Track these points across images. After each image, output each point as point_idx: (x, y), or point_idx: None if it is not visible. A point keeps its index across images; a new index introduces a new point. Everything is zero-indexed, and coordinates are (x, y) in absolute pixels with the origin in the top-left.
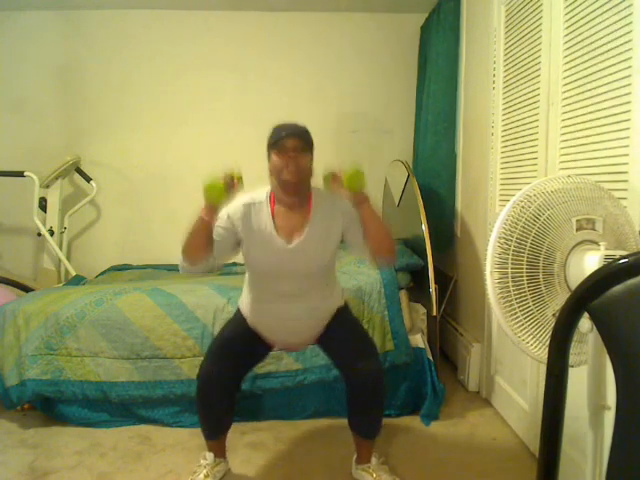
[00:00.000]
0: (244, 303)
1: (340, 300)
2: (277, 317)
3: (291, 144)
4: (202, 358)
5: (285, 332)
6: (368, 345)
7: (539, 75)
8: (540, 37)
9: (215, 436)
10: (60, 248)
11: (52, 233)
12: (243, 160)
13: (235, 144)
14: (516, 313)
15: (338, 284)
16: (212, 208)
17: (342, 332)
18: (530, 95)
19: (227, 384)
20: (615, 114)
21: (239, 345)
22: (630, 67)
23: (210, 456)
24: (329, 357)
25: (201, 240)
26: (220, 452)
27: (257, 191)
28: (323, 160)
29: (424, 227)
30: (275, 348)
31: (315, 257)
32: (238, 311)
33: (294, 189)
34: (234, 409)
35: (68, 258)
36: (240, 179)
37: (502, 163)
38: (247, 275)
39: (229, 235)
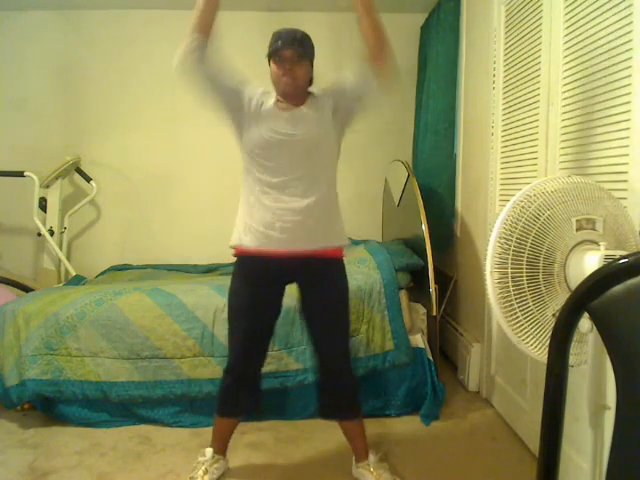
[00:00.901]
0: (241, 227)
1: (342, 238)
2: (277, 211)
3: (288, 54)
4: (202, 358)
5: (287, 227)
6: (342, 323)
7: (539, 75)
8: (540, 37)
9: (235, 412)
10: (60, 248)
11: (52, 233)
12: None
13: (235, 144)
14: (516, 313)
15: (340, 217)
16: None
17: (326, 296)
18: (530, 95)
19: (260, 355)
20: (615, 114)
21: (257, 305)
22: (630, 67)
23: (209, 452)
24: (303, 319)
25: (207, 14)
26: (221, 449)
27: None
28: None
29: (424, 227)
30: (279, 247)
31: (310, 125)
32: (237, 262)
33: (292, 95)
34: (259, 396)
35: (68, 258)
36: None
37: (502, 163)
38: (246, 178)
39: (234, 84)
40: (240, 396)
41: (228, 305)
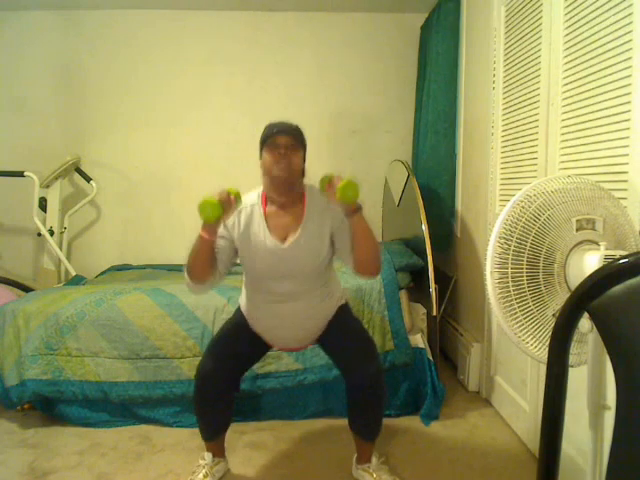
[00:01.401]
0: (243, 303)
1: (340, 300)
2: (276, 318)
3: (282, 141)
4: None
5: (284, 333)
6: (369, 347)
7: (539, 75)
8: (540, 37)
9: (213, 437)
10: (60, 248)
11: (52, 233)
12: (243, 160)
13: (235, 144)
14: (516, 313)
15: (338, 284)
16: (209, 226)
17: (342, 333)
18: (530, 95)
19: (225, 383)
20: (615, 114)
21: (238, 344)
22: (630, 67)
23: (209, 456)
24: (329, 356)
25: (204, 259)
26: (219, 452)
27: (249, 194)
28: (321, 159)
29: (424, 227)
30: (274, 348)
31: (310, 256)
32: (238, 309)
33: (285, 187)
34: (232, 409)
35: (68, 258)
36: (237, 195)
37: (502, 163)
38: (245, 277)
39: (227, 244)
40: (217, 415)
41: (218, 331)
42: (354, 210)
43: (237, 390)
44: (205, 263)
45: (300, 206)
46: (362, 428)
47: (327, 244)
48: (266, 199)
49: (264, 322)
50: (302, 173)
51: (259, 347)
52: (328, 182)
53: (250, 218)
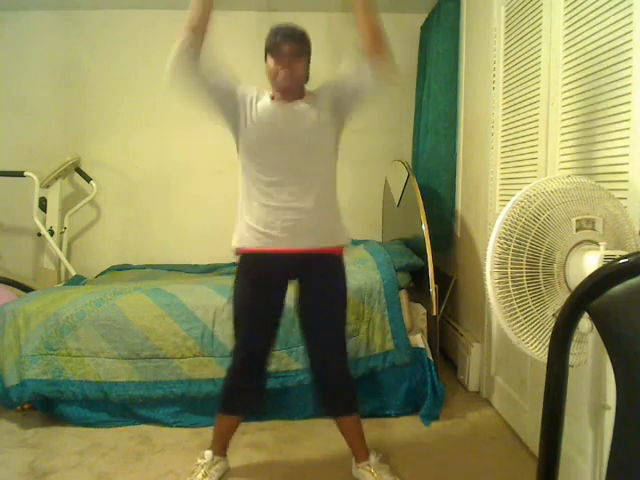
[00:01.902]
0: (241, 228)
1: (343, 237)
2: (276, 210)
3: (285, 49)
4: (202, 358)
5: (286, 226)
6: (338, 317)
7: (539, 75)
8: (540, 37)
9: (239, 409)
10: (60, 248)
11: (52, 233)
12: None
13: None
14: (516, 313)
15: (340, 216)
16: None
17: (323, 293)
18: (530, 95)
19: (268, 351)
20: (615, 114)
21: (261, 305)
22: (630, 67)
23: (208, 455)
24: (298, 313)
25: (204, 7)
26: (221, 449)
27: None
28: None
29: (424, 227)
30: (281, 246)
31: (311, 117)
32: (239, 263)
33: (288, 92)
34: (263, 392)
35: (68, 258)
36: None
37: (502, 163)
38: (243, 184)
39: (227, 86)
40: (244, 394)
41: (232, 305)
42: None
43: (269, 363)
44: (203, 16)
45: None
46: (334, 405)
47: (327, 116)
48: (273, 98)
49: (266, 218)
50: (305, 78)
51: (278, 291)
52: None
53: (260, 94)
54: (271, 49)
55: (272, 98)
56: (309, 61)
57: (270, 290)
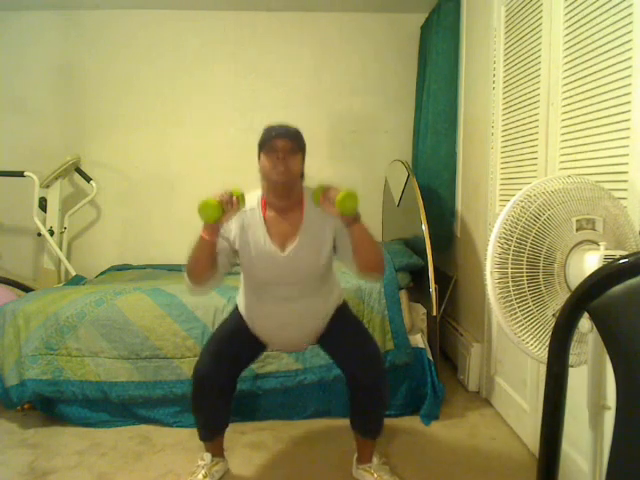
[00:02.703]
0: (241, 302)
1: (339, 299)
2: (274, 319)
3: (280, 144)
4: None
5: (282, 334)
6: (370, 345)
7: (539, 75)
8: (540, 37)
9: (211, 437)
10: (60, 248)
11: (52, 233)
12: (242, 160)
13: (235, 144)
14: (516, 313)
15: (337, 285)
16: (210, 227)
17: (343, 332)
18: (530, 95)
19: (223, 383)
20: (615, 114)
21: (235, 344)
22: (630, 67)
23: (208, 456)
24: (330, 356)
25: (205, 260)
26: (218, 452)
27: (250, 194)
28: (321, 159)
29: (424, 227)
30: (273, 348)
31: (310, 262)
32: (235, 309)
33: (283, 191)
34: (230, 410)
35: (68, 258)
36: (241, 196)
37: (502, 163)
38: (243, 278)
39: (227, 245)
40: (215, 415)
41: (213, 333)
42: (354, 220)
43: (234, 390)
44: (206, 264)
45: (299, 212)
46: (364, 427)
47: (328, 249)
48: (265, 204)
49: (262, 323)
50: (301, 176)
51: (257, 347)
52: (322, 193)
53: (250, 222)
54: (265, 145)
55: (264, 208)
56: (304, 159)
57: (253, 347)
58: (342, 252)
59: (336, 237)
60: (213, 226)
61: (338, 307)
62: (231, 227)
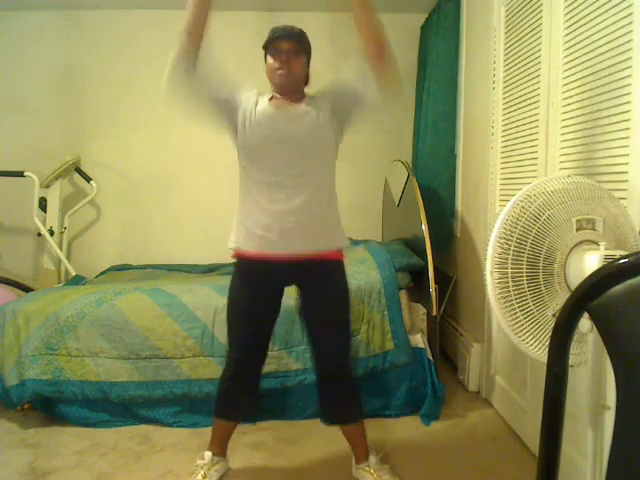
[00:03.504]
0: (239, 230)
1: (342, 240)
2: (274, 212)
3: (285, 46)
4: (202, 358)
5: (284, 229)
6: (343, 324)
7: (539, 75)
8: (540, 37)
9: (234, 415)
10: (60, 248)
11: (52, 233)
12: None
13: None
14: (516, 313)
15: (339, 219)
16: None
17: (326, 301)
18: (530, 95)
19: (262, 356)
20: (615, 114)
21: (255, 306)
22: (630, 67)
23: (207, 456)
24: (305, 326)
25: (201, 10)
26: (221, 450)
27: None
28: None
29: (424, 227)
30: (279, 251)
31: (310, 124)
32: (236, 264)
33: (287, 91)
34: (258, 396)
35: (68, 258)
36: None
37: (502, 163)
38: (241, 185)
39: (228, 93)
40: (239, 400)
41: (227, 306)
42: None
43: (264, 360)
44: (199, 17)
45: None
46: (334, 413)
47: (327, 119)
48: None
49: (262, 222)
50: (305, 79)
51: (273, 297)
52: None
53: (258, 100)
54: (270, 47)
55: (271, 99)
56: (309, 61)
57: (266, 295)
58: (347, 79)
59: (335, 101)
60: None
61: (339, 261)
62: (243, 94)
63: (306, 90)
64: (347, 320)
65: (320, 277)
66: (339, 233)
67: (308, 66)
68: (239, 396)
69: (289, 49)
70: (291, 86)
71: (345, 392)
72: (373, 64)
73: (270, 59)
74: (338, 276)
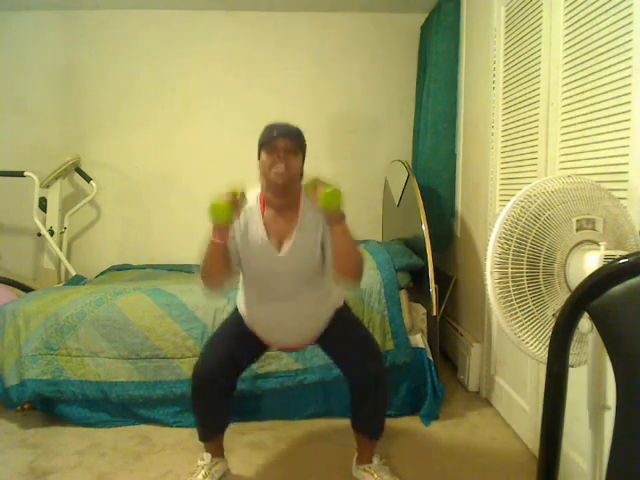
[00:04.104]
0: (240, 302)
1: (339, 301)
2: (273, 317)
3: (281, 144)
4: None
5: (282, 333)
6: (370, 346)
7: (539, 75)
8: (540, 37)
9: (210, 437)
10: (60, 248)
11: (52, 233)
12: (242, 160)
13: (235, 144)
14: (516, 313)
15: (336, 287)
16: (221, 229)
17: (342, 333)
18: (530, 95)
19: (223, 384)
20: (615, 114)
21: (236, 344)
22: (630, 67)
23: (207, 456)
24: (330, 358)
25: (219, 263)
26: (218, 452)
27: (249, 193)
28: (321, 159)
29: (424, 227)
30: (273, 348)
31: (305, 261)
32: (235, 310)
33: (282, 190)
34: (230, 410)
35: (68, 258)
36: (242, 195)
37: (502, 163)
38: (242, 276)
39: (234, 243)
40: (211, 416)
41: (215, 331)
42: (336, 219)
43: (234, 390)
44: (221, 267)
45: (296, 210)
46: (365, 428)
47: (320, 249)
48: (264, 201)
49: (262, 321)
50: (300, 176)
51: (257, 347)
52: (312, 187)
53: (249, 220)
54: (266, 144)
55: (262, 205)
56: (304, 159)
57: (257, 343)
58: (326, 252)
59: (324, 236)
60: (224, 227)
61: (338, 309)
62: (234, 225)
63: (302, 184)
64: (369, 337)
65: (327, 329)
66: (336, 303)
67: (303, 164)
68: (211, 414)
69: (286, 146)
70: (286, 185)
71: (377, 410)
72: (338, 279)
73: (266, 156)
74: (344, 316)
